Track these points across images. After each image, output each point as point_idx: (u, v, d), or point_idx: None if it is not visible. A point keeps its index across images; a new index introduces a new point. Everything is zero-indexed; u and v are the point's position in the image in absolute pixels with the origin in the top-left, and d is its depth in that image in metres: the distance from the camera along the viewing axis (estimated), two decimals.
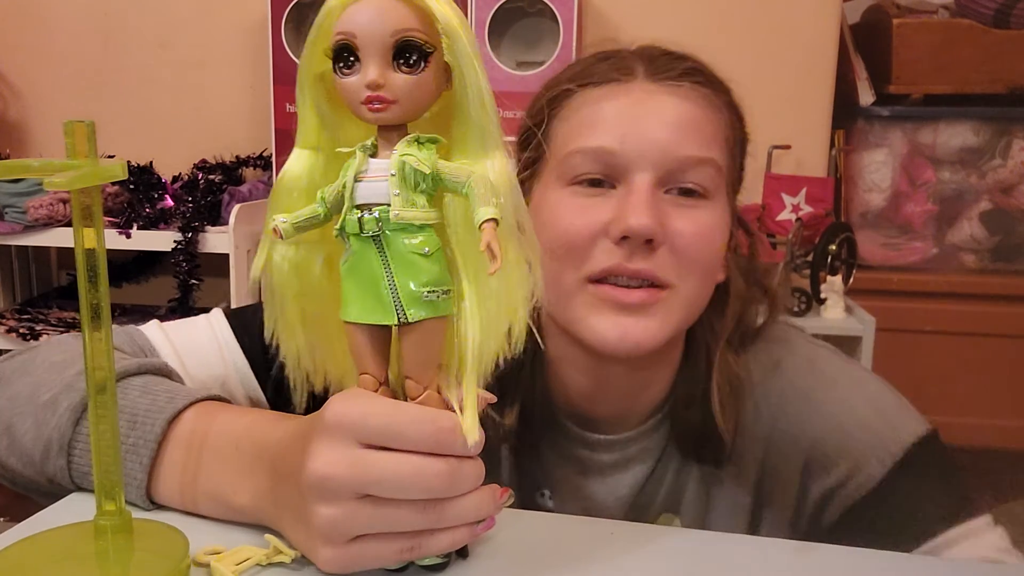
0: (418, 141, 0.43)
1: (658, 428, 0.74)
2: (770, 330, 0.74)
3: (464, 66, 0.42)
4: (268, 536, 0.48)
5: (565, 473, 0.76)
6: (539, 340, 0.46)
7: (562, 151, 0.67)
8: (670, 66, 0.67)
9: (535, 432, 0.74)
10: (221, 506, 0.52)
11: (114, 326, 0.67)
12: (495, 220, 0.41)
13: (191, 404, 0.55)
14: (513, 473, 0.76)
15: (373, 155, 0.44)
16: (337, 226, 0.44)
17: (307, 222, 0.45)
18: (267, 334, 0.50)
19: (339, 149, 0.45)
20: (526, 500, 0.77)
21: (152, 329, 0.68)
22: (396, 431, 0.43)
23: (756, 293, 0.73)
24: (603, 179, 0.65)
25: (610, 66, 0.68)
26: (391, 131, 0.44)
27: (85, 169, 0.41)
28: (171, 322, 0.70)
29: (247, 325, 0.70)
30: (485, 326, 0.45)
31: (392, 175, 0.43)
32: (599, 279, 0.65)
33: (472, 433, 0.44)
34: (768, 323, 0.73)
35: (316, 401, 0.51)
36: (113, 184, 1.95)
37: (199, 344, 0.68)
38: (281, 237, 0.45)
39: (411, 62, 0.42)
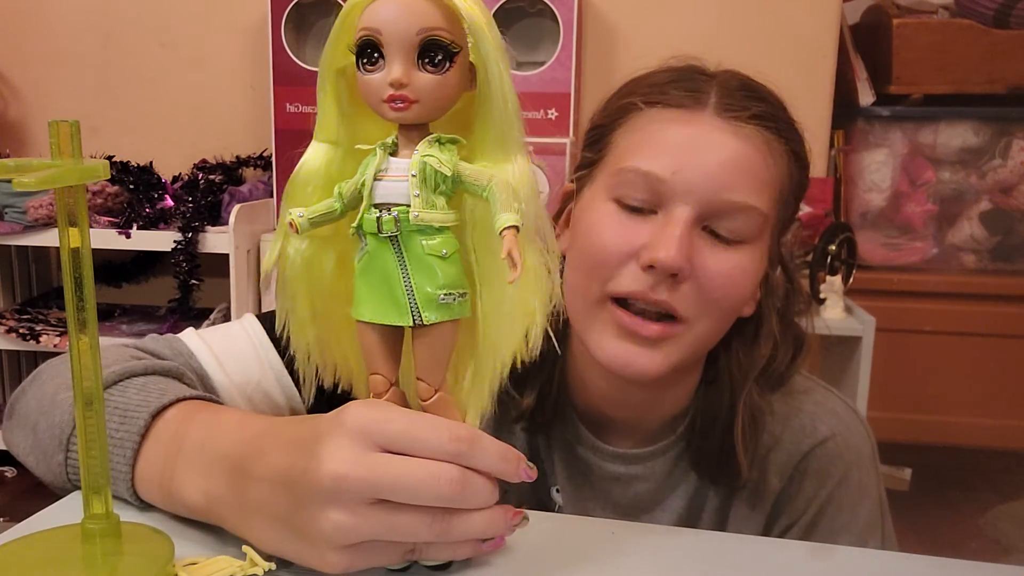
0: (439, 141, 0.43)
1: (666, 452, 0.75)
2: (794, 380, 0.75)
3: (490, 67, 0.42)
4: (245, 547, 0.47)
5: (573, 474, 0.77)
6: (556, 344, 0.46)
7: (618, 163, 0.67)
8: (743, 104, 0.65)
9: (550, 420, 0.75)
10: (179, 504, 0.51)
11: (153, 334, 0.69)
12: (516, 227, 0.41)
13: (177, 401, 0.55)
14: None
15: (393, 153, 0.44)
16: (354, 224, 0.44)
17: (323, 217, 0.45)
18: (278, 327, 0.49)
19: (358, 146, 0.45)
20: (540, 494, 0.77)
21: (189, 335, 0.68)
22: (414, 435, 0.43)
23: (788, 339, 0.73)
24: (646, 203, 0.65)
25: (684, 88, 0.67)
26: (412, 130, 0.43)
27: (56, 168, 0.40)
28: (205, 328, 0.70)
29: None
30: (501, 329, 0.45)
31: (413, 176, 0.42)
32: (620, 299, 0.65)
33: (473, 418, 0.46)
34: (793, 371, 0.74)
35: (322, 397, 0.51)
36: (113, 184, 1.95)
37: (236, 348, 0.68)
38: (296, 231, 0.45)
39: (436, 62, 0.41)
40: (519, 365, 0.46)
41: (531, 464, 0.46)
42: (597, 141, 0.71)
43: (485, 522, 0.45)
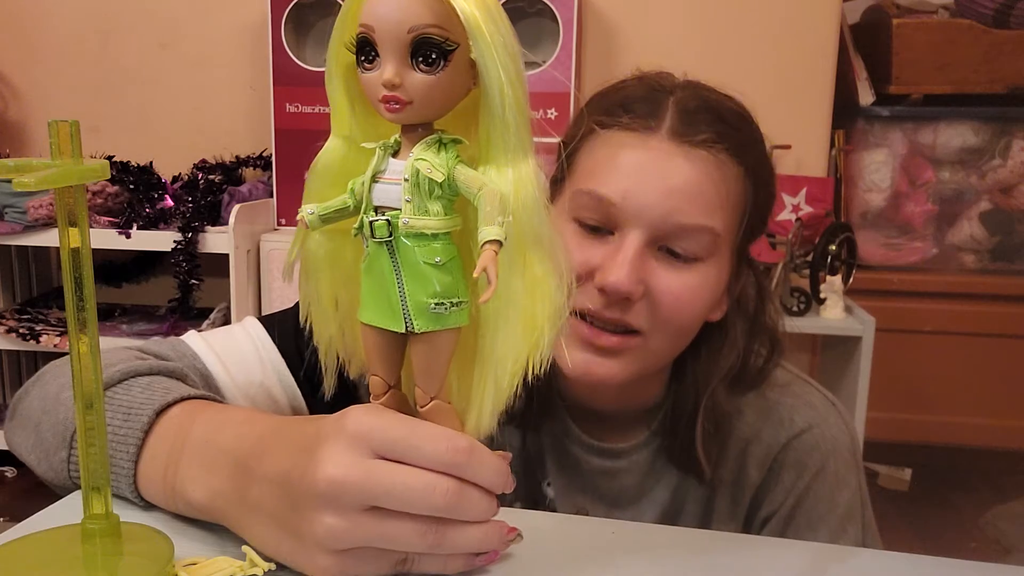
0: (439, 142, 0.41)
1: (647, 446, 0.76)
2: (775, 374, 0.76)
3: (487, 65, 0.40)
4: (245, 548, 0.47)
5: (563, 468, 0.78)
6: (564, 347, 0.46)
7: (576, 185, 0.69)
8: (697, 129, 0.67)
9: (539, 417, 0.76)
10: (182, 502, 0.51)
11: (157, 338, 0.70)
12: (498, 242, 0.39)
13: (182, 399, 0.55)
14: (520, 459, 0.77)
15: (396, 152, 0.42)
16: (355, 226, 0.43)
17: (336, 214, 0.44)
18: (302, 318, 0.49)
19: (363, 144, 0.44)
20: (532, 488, 0.78)
21: (193, 338, 0.69)
22: (412, 443, 0.43)
23: (760, 343, 0.75)
24: (603, 224, 0.67)
25: (641, 110, 0.68)
26: (414, 129, 0.42)
27: (56, 168, 0.40)
28: (208, 331, 0.71)
29: (281, 329, 0.71)
30: (505, 341, 0.43)
31: (405, 180, 0.41)
32: (578, 313, 0.67)
33: (472, 428, 0.45)
34: (768, 368, 0.76)
35: (345, 389, 0.51)
36: (113, 184, 1.95)
37: (239, 350, 0.69)
38: (308, 227, 0.45)
39: (430, 60, 0.39)
40: (531, 377, 0.44)
41: (513, 476, 0.46)
42: (564, 158, 0.72)
43: (479, 536, 0.45)
